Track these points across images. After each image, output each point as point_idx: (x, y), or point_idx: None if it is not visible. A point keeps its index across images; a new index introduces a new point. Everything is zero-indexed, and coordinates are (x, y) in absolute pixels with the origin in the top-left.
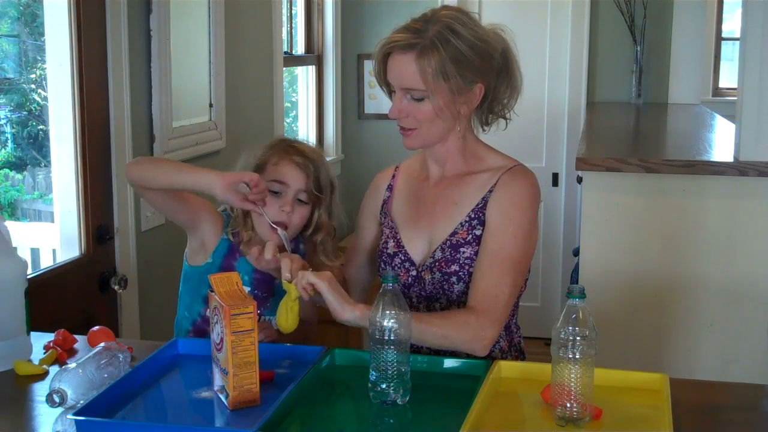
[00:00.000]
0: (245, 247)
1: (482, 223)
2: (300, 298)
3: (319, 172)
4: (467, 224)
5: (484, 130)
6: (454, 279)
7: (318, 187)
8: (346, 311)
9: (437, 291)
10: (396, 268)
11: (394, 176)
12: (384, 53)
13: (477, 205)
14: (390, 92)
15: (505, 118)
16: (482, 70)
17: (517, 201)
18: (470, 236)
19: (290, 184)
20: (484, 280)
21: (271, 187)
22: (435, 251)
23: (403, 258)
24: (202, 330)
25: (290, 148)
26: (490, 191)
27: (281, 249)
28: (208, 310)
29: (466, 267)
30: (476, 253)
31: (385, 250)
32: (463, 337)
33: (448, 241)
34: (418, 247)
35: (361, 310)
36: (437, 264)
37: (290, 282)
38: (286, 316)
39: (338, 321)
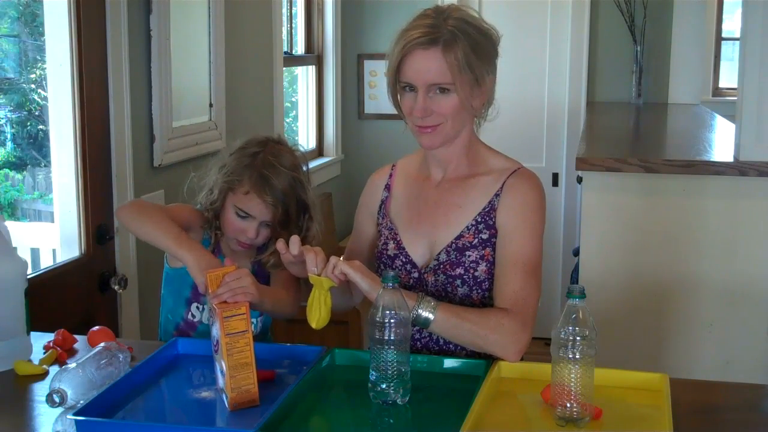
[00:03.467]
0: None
1: (489, 228)
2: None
3: (288, 206)
4: (474, 228)
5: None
6: (458, 282)
7: (285, 220)
8: None
9: (440, 294)
10: (397, 269)
11: (391, 175)
12: (404, 53)
13: (484, 209)
14: (394, 93)
15: (482, 118)
16: (494, 61)
17: (528, 204)
18: (476, 240)
19: (257, 217)
20: (509, 286)
21: (238, 212)
22: (440, 254)
23: (404, 260)
24: (185, 334)
25: (263, 180)
26: (497, 195)
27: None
28: (191, 313)
29: (471, 271)
30: (482, 257)
31: (385, 252)
32: (496, 339)
33: (454, 244)
34: (419, 249)
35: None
36: (442, 267)
37: (318, 275)
38: (319, 310)
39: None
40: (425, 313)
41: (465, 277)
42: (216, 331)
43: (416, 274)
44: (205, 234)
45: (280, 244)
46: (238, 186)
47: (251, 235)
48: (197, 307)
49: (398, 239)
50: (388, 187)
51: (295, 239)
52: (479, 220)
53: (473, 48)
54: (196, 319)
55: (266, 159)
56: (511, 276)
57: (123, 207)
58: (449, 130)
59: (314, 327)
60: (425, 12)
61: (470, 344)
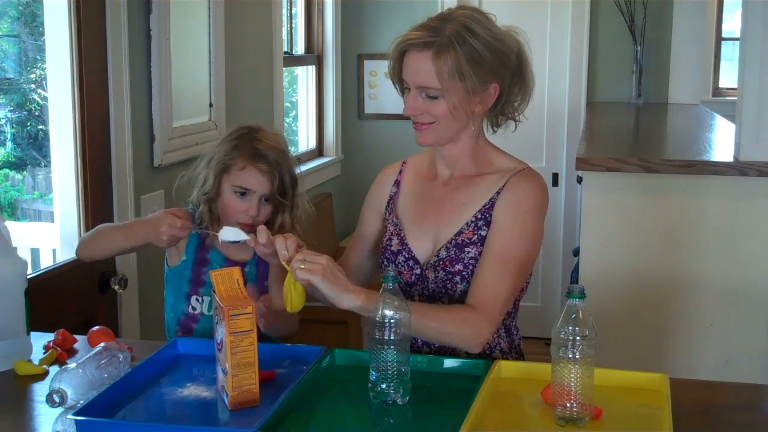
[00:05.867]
0: (209, 241)
1: (488, 224)
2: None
3: (283, 176)
4: (473, 224)
5: (494, 132)
6: (457, 279)
7: (282, 191)
8: (345, 301)
9: (440, 290)
10: (399, 266)
11: (401, 172)
12: (400, 51)
13: (484, 206)
14: (402, 89)
15: (515, 120)
16: (498, 71)
17: (524, 203)
18: (476, 236)
19: (255, 190)
20: (484, 279)
21: (236, 189)
22: (440, 250)
23: (407, 256)
24: (188, 327)
25: (256, 152)
26: (498, 193)
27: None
28: (191, 306)
29: (471, 267)
30: (481, 254)
31: (388, 248)
32: (461, 334)
33: (454, 241)
34: (422, 245)
35: (363, 300)
36: (441, 263)
37: (288, 261)
38: (292, 296)
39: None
40: (390, 313)
41: (464, 273)
42: (221, 330)
43: (418, 271)
44: (192, 229)
45: (249, 238)
46: (232, 165)
47: (253, 213)
48: (197, 299)
49: (402, 235)
50: (397, 183)
51: (261, 228)
52: (479, 216)
53: (470, 57)
54: (196, 311)
55: (253, 136)
56: (488, 270)
57: (77, 250)
58: (442, 130)
59: (289, 311)
60: (435, 15)
61: (435, 341)
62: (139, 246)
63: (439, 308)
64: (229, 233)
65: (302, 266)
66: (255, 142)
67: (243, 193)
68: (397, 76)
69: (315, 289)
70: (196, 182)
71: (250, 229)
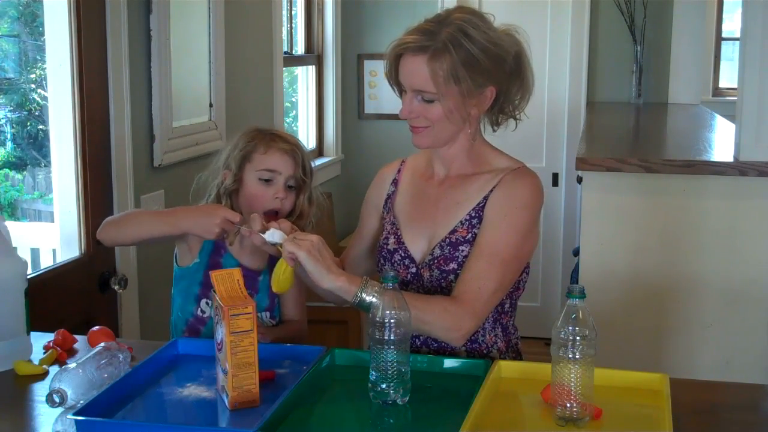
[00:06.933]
0: (233, 238)
1: (481, 222)
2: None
3: (304, 158)
4: (467, 223)
5: (494, 131)
6: (452, 277)
7: (304, 172)
8: (326, 280)
9: (436, 289)
10: (395, 264)
11: (399, 170)
12: (396, 54)
13: (478, 204)
14: (401, 91)
15: (516, 119)
16: (494, 74)
17: (515, 200)
18: (470, 235)
19: (281, 171)
20: (469, 272)
21: (262, 176)
22: (434, 249)
23: (403, 255)
24: (195, 329)
25: (274, 136)
26: (492, 191)
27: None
28: (200, 309)
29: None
30: None
31: (385, 246)
32: (441, 324)
33: (448, 239)
34: (418, 244)
35: (342, 282)
36: (436, 261)
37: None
38: (279, 276)
39: (321, 288)
40: (369, 298)
41: (459, 271)
42: (221, 330)
43: (414, 269)
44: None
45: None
46: (254, 152)
47: (281, 195)
48: (206, 303)
49: (399, 234)
50: (395, 182)
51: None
52: (473, 215)
53: (466, 61)
54: (205, 315)
55: (268, 128)
56: (473, 262)
57: (100, 231)
58: (438, 133)
59: (274, 290)
60: (432, 17)
61: (416, 330)
62: (175, 235)
63: (420, 296)
64: (275, 235)
65: (291, 241)
66: (269, 130)
67: (268, 179)
68: (394, 78)
69: (301, 269)
70: (213, 182)
71: (277, 217)
